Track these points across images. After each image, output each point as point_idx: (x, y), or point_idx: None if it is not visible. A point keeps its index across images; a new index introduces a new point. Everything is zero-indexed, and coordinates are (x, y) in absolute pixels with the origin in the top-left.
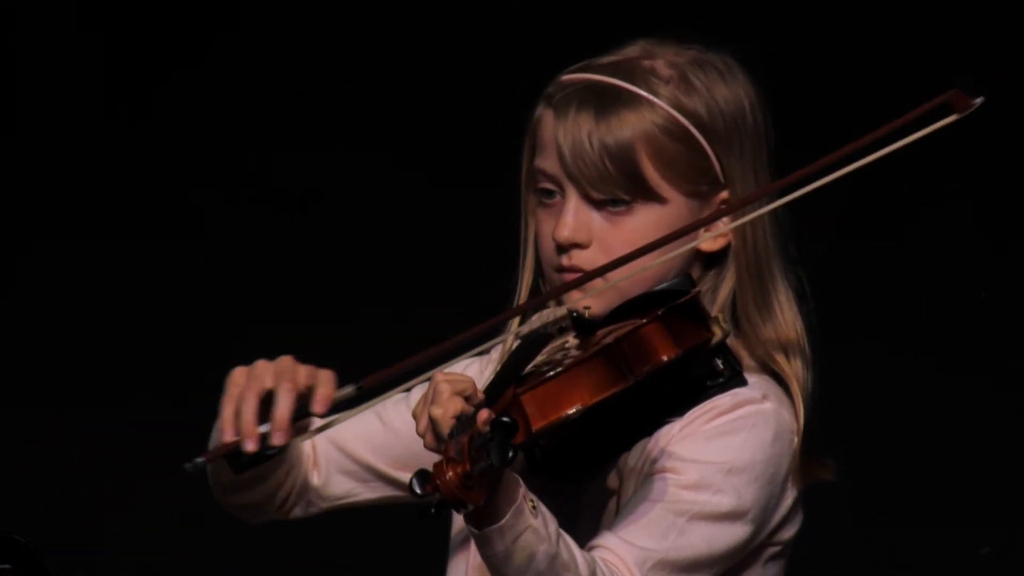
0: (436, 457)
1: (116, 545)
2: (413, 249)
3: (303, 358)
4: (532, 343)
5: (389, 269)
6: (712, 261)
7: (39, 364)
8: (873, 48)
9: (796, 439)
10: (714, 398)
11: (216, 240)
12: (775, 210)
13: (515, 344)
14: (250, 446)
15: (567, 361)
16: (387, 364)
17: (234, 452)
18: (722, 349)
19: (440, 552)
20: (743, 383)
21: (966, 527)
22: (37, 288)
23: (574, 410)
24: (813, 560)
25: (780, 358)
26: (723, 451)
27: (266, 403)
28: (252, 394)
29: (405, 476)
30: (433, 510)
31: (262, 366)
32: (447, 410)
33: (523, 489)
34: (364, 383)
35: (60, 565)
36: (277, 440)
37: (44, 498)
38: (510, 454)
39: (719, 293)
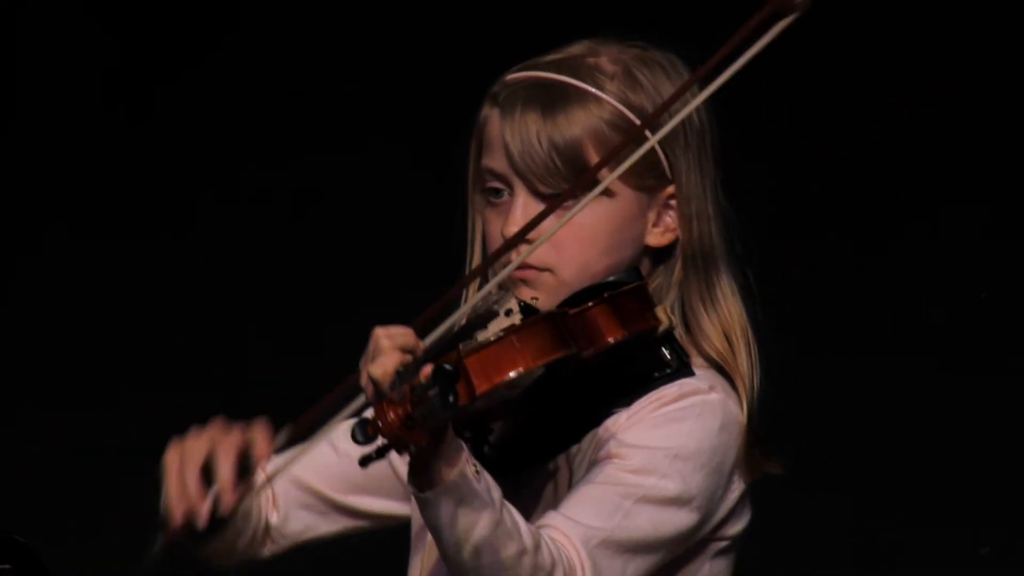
0: (390, 482)
1: (116, 545)
2: (414, 249)
3: (302, 358)
4: (478, 317)
5: (389, 269)
6: (661, 257)
7: (39, 364)
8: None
9: (742, 430)
10: (661, 388)
11: (216, 240)
12: (719, 204)
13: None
14: (202, 523)
15: (511, 328)
16: None
17: (188, 531)
18: (669, 340)
19: (402, 554)
20: (690, 374)
21: (966, 527)
22: (37, 288)
23: (516, 373)
24: (813, 560)
25: (725, 351)
26: (669, 437)
27: (207, 471)
28: (191, 467)
29: (362, 502)
30: (375, 454)
31: (192, 439)
32: (387, 367)
33: (466, 454)
34: (298, 422)
35: (60, 565)
36: (227, 504)
37: (44, 498)
38: (451, 398)
39: (669, 288)
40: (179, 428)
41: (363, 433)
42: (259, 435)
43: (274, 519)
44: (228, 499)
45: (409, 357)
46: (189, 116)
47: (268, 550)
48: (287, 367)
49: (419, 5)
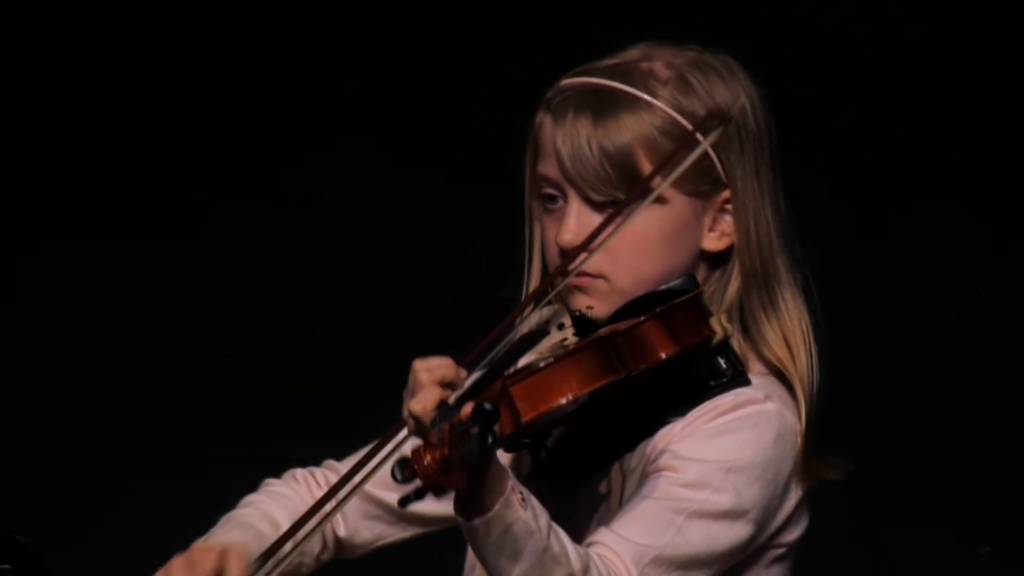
0: None
1: (116, 545)
2: (413, 249)
3: (303, 359)
4: (527, 339)
5: (389, 269)
6: (718, 261)
7: (39, 364)
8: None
9: (799, 440)
10: (716, 398)
11: (216, 240)
12: (778, 207)
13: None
14: None
15: (559, 353)
16: (385, 364)
17: None
18: (725, 349)
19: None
20: (746, 383)
21: (966, 527)
22: (37, 288)
23: (564, 400)
24: (813, 560)
25: (785, 357)
26: (723, 450)
27: None
28: None
29: (429, 509)
30: (413, 495)
31: (175, 566)
32: (426, 403)
33: (512, 481)
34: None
35: (60, 565)
36: None
37: (44, 498)
38: (490, 440)
39: (726, 293)
40: (179, 429)
41: (401, 473)
42: (232, 565)
43: (342, 532)
44: None
45: (449, 392)
46: (189, 116)
47: (349, 556)
48: (288, 367)
49: (419, 5)
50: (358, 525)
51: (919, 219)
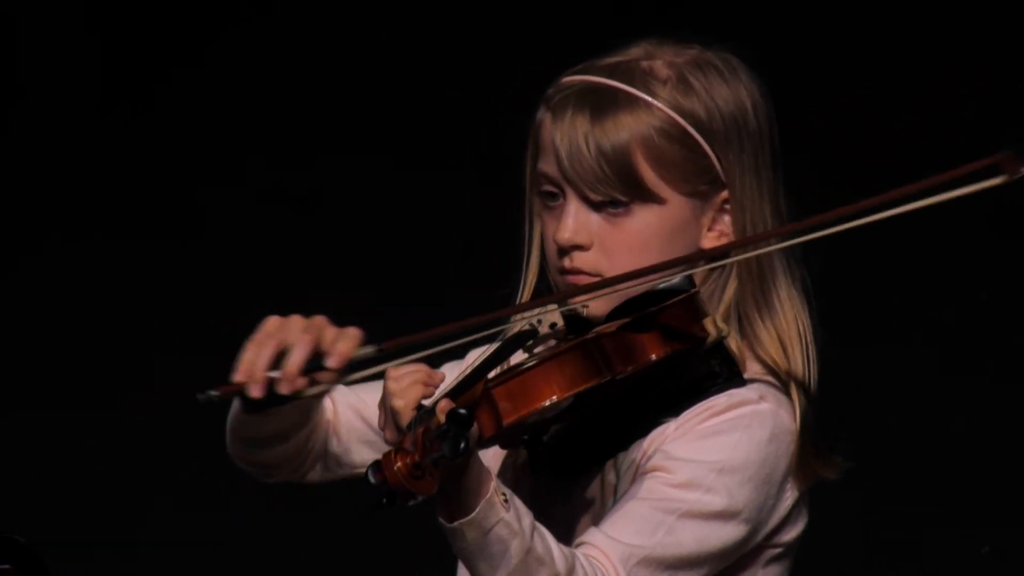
0: None
1: (116, 545)
2: (412, 249)
3: None
4: (514, 340)
5: (389, 269)
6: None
7: (40, 364)
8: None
9: (795, 440)
10: (710, 398)
11: (217, 240)
12: (777, 207)
13: (499, 341)
14: (255, 392)
15: (543, 355)
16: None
17: (242, 393)
18: (720, 349)
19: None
20: (741, 383)
21: (966, 527)
22: (39, 288)
23: (548, 403)
24: (814, 560)
25: (780, 357)
26: (716, 450)
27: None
28: (272, 342)
29: None
30: (384, 500)
31: (294, 320)
32: (408, 399)
33: (494, 483)
34: (384, 346)
35: (60, 565)
36: (282, 389)
37: (44, 498)
38: (462, 445)
39: (725, 293)
40: (180, 429)
41: (374, 476)
42: (346, 338)
43: (335, 447)
44: (284, 385)
45: (431, 390)
46: (189, 117)
47: (317, 475)
48: None
49: (419, 5)
50: (352, 446)
51: (919, 219)
